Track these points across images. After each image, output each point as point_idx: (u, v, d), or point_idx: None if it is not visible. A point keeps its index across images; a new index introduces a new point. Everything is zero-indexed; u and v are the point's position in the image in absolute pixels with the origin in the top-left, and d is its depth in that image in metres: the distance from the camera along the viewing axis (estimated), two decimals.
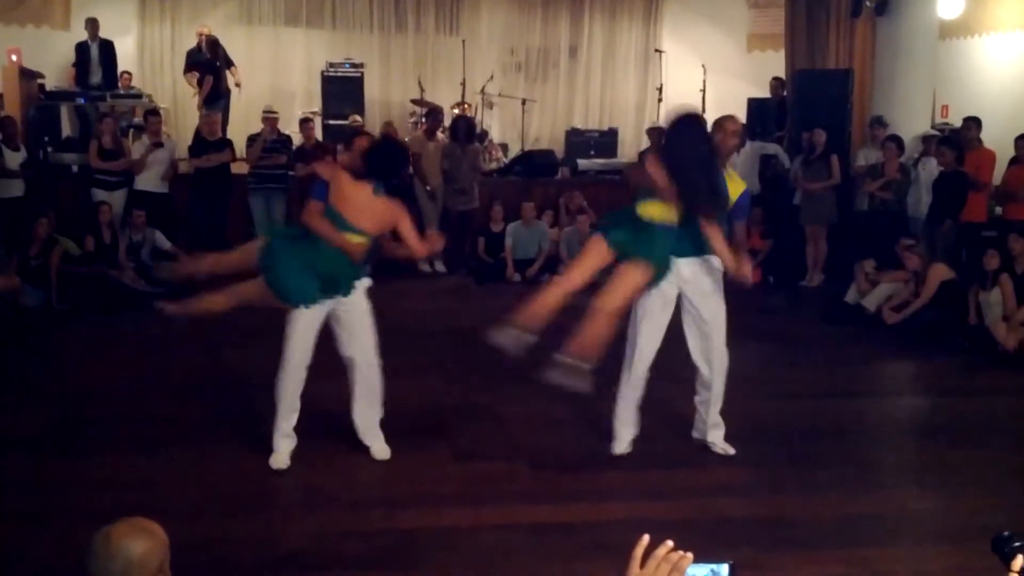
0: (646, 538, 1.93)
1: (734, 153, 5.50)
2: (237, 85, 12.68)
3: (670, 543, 1.93)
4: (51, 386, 6.52)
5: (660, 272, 5.02)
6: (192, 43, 12.79)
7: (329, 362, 5.12)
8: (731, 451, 5.34)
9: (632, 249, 4.97)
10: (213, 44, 12.32)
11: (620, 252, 5.00)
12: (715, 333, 5.22)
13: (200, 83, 12.21)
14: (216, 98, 12.14)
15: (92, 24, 12.11)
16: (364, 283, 5.10)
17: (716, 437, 5.39)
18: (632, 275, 4.96)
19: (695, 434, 5.47)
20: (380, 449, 5.19)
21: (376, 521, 4.47)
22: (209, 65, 12.20)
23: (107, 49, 12.22)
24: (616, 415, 5.33)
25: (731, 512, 4.62)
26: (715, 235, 4.92)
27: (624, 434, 5.34)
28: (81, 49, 12.15)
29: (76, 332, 8.08)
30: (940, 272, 8.26)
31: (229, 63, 12.54)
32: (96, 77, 12.06)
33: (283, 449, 5.06)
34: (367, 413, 5.16)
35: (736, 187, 5.15)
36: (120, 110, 11.87)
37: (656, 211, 4.97)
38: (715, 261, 5.10)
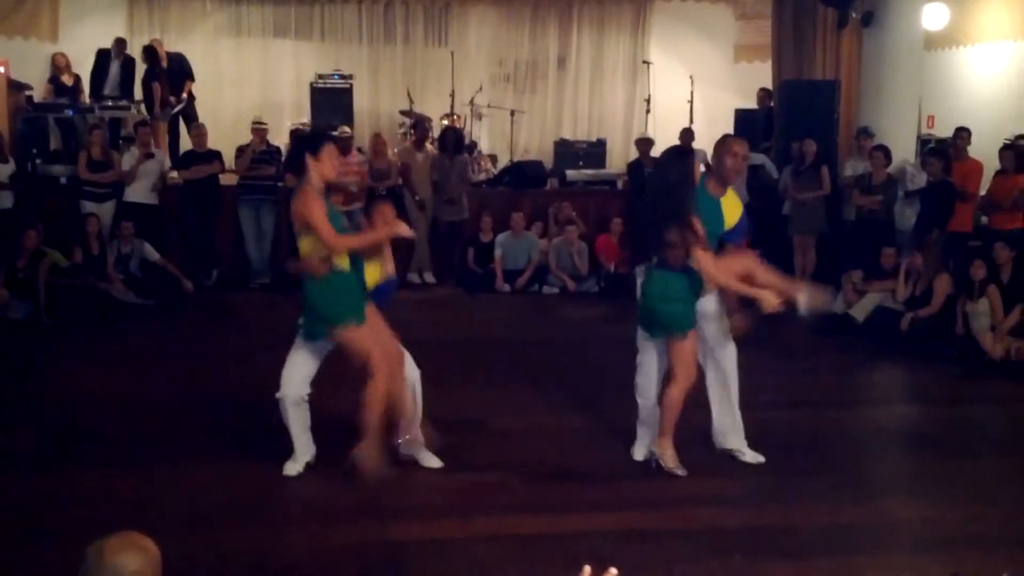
0: (587, 569, 1.96)
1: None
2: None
3: (614, 571, 1.96)
4: (40, 400, 6.48)
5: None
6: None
7: (322, 377, 5.11)
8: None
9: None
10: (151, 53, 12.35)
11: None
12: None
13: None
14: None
15: (119, 44, 12.34)
16: None
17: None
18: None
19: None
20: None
21: (369, 533, 4.46)
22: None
23: (128, 66, 12.28)
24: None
25: (723, 521, 4.63)
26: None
27: (641, 444, 5.44)
28: (102, 59, 12.22)
29: (64, 345, 8.04)
30: (947, 284, 8.27)
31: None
32: (111, 90, 12.09)
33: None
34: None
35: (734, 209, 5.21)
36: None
37: None
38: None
